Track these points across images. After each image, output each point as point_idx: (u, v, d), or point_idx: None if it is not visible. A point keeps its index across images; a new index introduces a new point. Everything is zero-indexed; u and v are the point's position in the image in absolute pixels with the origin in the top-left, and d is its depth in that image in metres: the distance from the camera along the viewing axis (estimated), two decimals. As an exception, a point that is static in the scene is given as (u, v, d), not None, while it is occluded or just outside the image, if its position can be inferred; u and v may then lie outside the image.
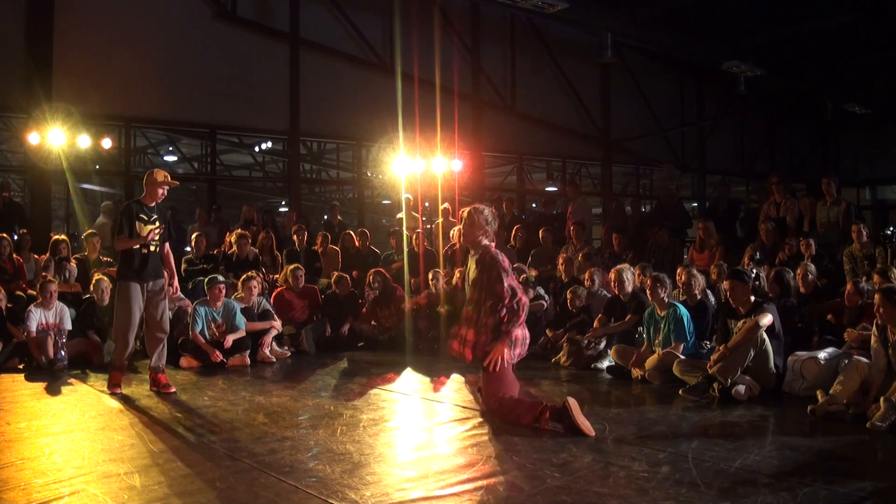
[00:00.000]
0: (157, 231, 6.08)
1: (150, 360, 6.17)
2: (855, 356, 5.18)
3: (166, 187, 6.14)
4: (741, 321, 5.80)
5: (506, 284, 4.67)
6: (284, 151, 15.94)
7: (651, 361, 6.37)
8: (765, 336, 5.61)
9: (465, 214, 4.94)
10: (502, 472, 3.73)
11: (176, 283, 6.43)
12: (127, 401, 5.70)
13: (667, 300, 6.59)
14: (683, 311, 6.50)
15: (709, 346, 6.36)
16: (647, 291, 6.71)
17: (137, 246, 6.01)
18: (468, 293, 4.92)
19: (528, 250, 10.11)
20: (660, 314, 6.55)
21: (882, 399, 4.66)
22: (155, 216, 6.12)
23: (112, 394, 5.91)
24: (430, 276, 8.91)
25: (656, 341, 6.50)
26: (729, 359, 5.51)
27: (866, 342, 5.67)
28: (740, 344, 5.56)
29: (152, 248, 6.08)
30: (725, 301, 6.22)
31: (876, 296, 5.19)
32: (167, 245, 6.29)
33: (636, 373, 6.46)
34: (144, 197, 6.16)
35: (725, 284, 6.05)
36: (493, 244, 4.91)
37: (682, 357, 6.21)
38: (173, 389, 6.06)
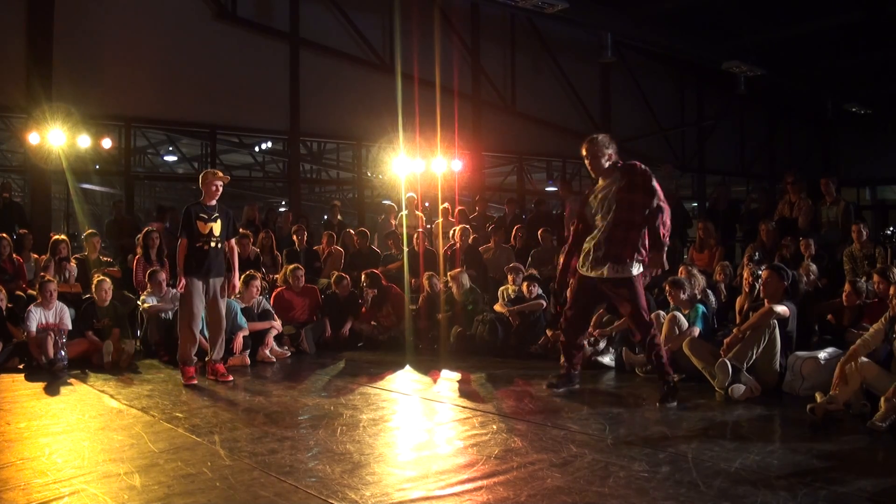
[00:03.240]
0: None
1: (212, 354, 6.57)
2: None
3: (219, 182, 6.45)
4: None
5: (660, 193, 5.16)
6: (284, 151, 15.95)
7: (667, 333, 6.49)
8: (776, 323, 5.61)
9: (584, 150, 5.34)
10: (502, 472, 3.73)
11: (235, 279, 6.73)
12: (127, 401, 5.70)
13: (689, 301, 6.70)
14: (703, 308, 6.67)
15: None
16: (668, 297, 6.80)
17: (199, 244, 6.35)
18: (604, 216, 5.31)
19: (528, 250, 10.10)
20: (684, 313, 6.67)
21: (882, 399, 4.66)
22: (216, 214, 6.45)
23: (186, 386, 6.22)
24: (426, 278, 8.87)
25: None
26: (743, 342, 5.56)
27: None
28: (754, 328, 5.59)
29: (214, 245, 6.40)
30: (730, 299, 6.21)
31: (892, 288, 5.18)
32: (232, 241, 6.63)
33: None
34: (203, 198, 6.48)
35: (763, 274, 6.02)
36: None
37: (683, 318, 6.47)
38: (231, 378, 6.49)
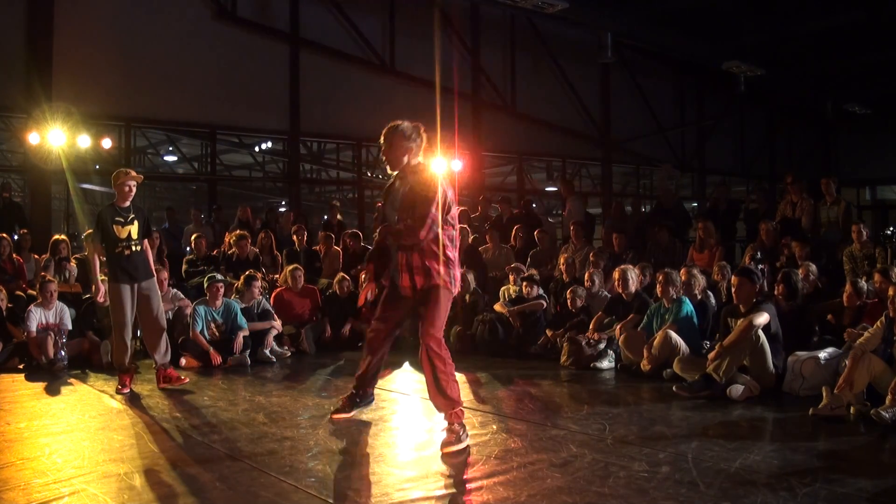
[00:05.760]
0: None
1: (155, 359, 6.21)
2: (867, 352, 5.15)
3: (131, 183, 6.13)
4: (741, 319, 5.82)
5: (432, 209, 4.21)
6: (284, 151, 15.94)
7: (649, 345, 6.48)
8: (760, 334, 5.61)
9: (382, 137, 4.48)
10: (502, 472, 3.73)
11: (162, 276, 6.38)
12: (127, 401, 5.70)
13: (675, 297, 6.70)
14: (689, 305, 6.65)
15: (709, 345, 6.40)
16: (658, 288, 6.81)
17: (119, 249, 6.03)
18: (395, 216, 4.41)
19: (528, 250, 10.11)
20: (666, 307, 6.69)
21: (890, 389, 4.66)
22: (132, 216, 6.13)
23: (118, 393, 5.94)
24: None
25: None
26: (724, 356, 5.53)
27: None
28: (735, 342, 5.59)
29: (134, 248, 6.09)
30: (728, 299, 6.21)
31: (890, 289, 5.19)
32: (145, 242, 6.27)
33: (644, 365, 6.53)
34: (116, 200, 6.17)
35: (733, 281, 6.05)
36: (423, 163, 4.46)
37: (677, 336, 6.38)
38: (186, 380, 6.21)
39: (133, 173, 6.22)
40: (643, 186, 20.03)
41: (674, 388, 5.65)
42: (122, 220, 6.08)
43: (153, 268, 6.37)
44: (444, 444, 4.12)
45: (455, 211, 4.48)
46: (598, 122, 17.42)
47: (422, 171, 4.47)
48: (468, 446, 4.17)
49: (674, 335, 6.40)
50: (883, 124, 20.07)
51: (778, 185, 18.21)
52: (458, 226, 4.52)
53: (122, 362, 6.09)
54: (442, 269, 4.33)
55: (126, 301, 6.05)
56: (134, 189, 6.18)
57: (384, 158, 4.59)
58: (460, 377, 6.62)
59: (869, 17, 13.59)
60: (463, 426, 4.24)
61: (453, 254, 4.40)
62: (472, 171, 14.70)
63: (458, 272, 4.47)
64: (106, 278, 8.00)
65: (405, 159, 4.48)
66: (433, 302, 4.33)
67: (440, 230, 4.31)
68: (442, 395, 4.29)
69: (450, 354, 4.38)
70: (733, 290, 6.00)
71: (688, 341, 6.44)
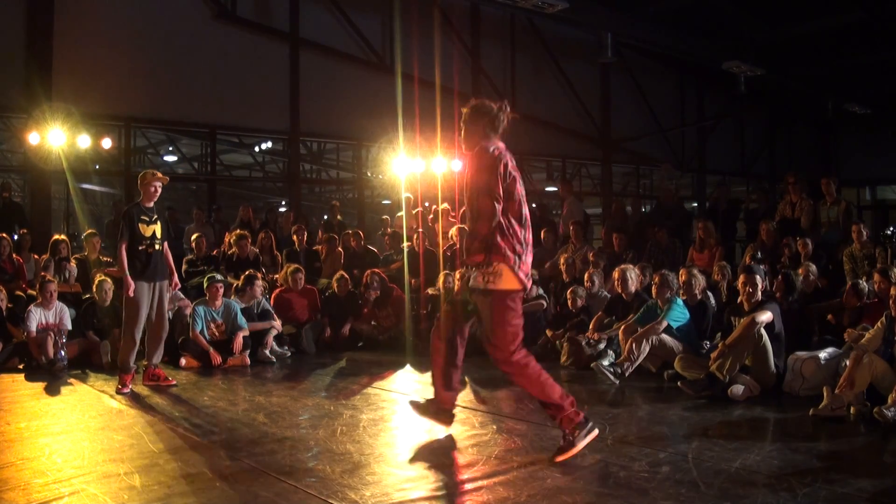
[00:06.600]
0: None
1: (152, 358, 6.35)
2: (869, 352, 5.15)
3: (158, 184, 6.26)
4: (744, 318, 5.83)
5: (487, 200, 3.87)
6: (284, 151, 15.94)
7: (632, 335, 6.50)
8: (763, 333, 5.62)
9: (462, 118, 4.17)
10: (502, 472, 3.73)
11: (175, 279, 6.61)
12: (127, 401, 5.70)
13: (670, 298, 6.70)
14: (680, 305, 6.64)
15: (709, 345, 6.40)
16: (654, 288, 6.80)
17: (143, 247, 6.17)
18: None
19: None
20: (661, 307, 6.69)
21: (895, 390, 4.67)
22: (155, 216, 6.31)
23: (119, 393, 5.97)
24: (441, 278, 8.82)
25: None
26: (727, 355, 5.54)
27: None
28: (738, 340, 5.60)
29: (157, 248, 6.25)
30: (729, 299, 6.22)
31: (892, 289, 5.20)
32: (165, 244, 6.42)
33: (624, 345, 6.56)
34: (142, 199, 6.32)
35: (741, 279, 6.08)
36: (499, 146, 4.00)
37: (660, 330, 6.41)
38: (174, 382, 6.32)
39: (160, 175, 6.37)
40: (643, 186, 20.02)
41: (678, 384, 5.66)
42: (146, 219, 6.25)
43: (173, 269, 6.52)
44: (558, 452, 3.87)
45: (520, 188, 4.06)
46: (598, 122, 17.41)
47: (479, 155, 4.09)
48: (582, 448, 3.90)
49: (656, 338, 6.39)
50: (883, 124, 20.06)
51: (778, 185, 18.20)
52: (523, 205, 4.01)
53: (126, 360, 6.14)
54: (492, 268, 3.91)
55: (143, 298, 6.17)
56: (160, 190, 6.33)
57: (463, 143, 4.29)
58: (461, 377, 6.65)
59: (869, 17, 13.60)
60: (581, 426, 3.89)
61: (511, 243, 3.92)
62: (472, 172, 14.66)
63: (525, 266, 3.96)
64: (101, 275, 8.07)
65: (477, 140, 4.20)
66: (486, 311, 3.99)
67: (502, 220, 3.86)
68: (544, 406, 3.99)
69: (530, 360, 3.96)
70: (741, 288, 6.02)
71: (683, 341, 6.45)
